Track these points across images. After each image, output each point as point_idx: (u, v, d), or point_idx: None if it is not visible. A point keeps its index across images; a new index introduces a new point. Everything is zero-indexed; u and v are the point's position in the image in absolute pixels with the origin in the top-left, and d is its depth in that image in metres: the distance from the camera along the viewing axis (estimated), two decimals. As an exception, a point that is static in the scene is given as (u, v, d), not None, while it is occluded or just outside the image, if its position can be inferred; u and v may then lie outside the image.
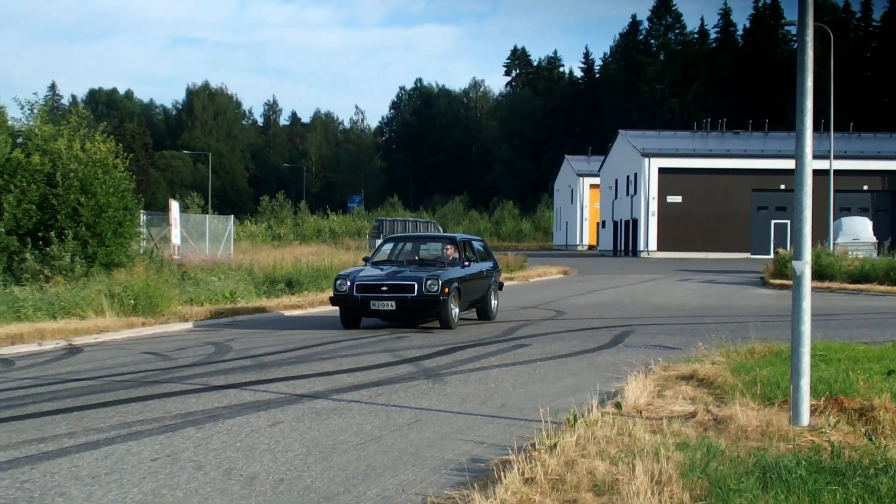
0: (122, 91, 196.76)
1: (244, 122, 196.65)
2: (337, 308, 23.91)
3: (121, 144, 33.29)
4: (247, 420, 11.67)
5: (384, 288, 22.85)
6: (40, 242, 28.52)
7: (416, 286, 22.60)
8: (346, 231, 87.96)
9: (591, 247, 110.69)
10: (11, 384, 14.95)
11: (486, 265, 26.54)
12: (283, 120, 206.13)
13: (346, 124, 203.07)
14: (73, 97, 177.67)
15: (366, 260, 26.25)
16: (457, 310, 23.55)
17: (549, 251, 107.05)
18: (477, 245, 27.29)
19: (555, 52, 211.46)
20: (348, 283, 23.06)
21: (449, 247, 25.88)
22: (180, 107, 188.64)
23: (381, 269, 24.18)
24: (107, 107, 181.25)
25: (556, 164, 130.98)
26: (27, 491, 8.43)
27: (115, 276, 27.13)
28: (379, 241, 40.00)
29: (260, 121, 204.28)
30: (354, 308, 23.20)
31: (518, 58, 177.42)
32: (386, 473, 9.11)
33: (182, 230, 40.62)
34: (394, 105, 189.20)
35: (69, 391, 14.07)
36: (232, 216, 55.54)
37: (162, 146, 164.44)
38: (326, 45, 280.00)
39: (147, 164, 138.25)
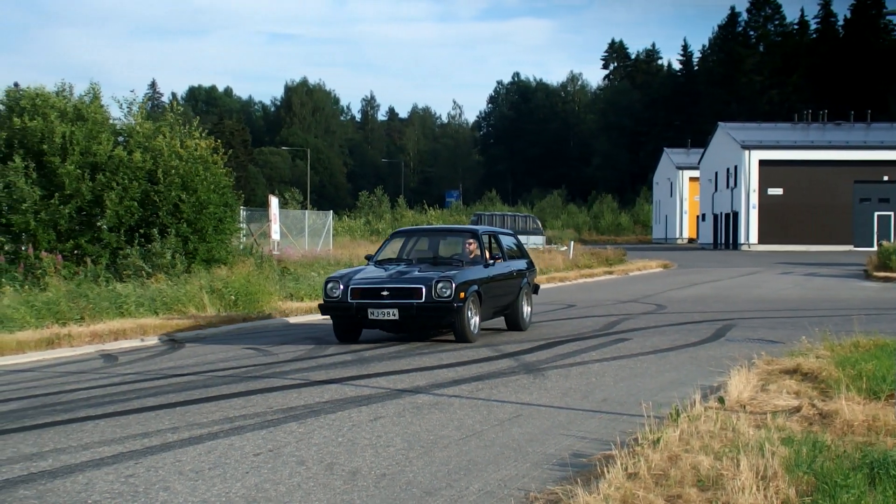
0: (221, 88, 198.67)
1: (342, 118, 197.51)
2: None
3: (220, 141, 33.63)
4: (348, 415, 11.71)
5: (385, 292, 18.83)
6: (142, 239, 28.86)
7: (423, 290, 18.60)
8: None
9: (690, 240, 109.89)
10: (115, 379, 15.13)
11: (517, 264, 22.44)
12: (381, 115, 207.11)
13: (444, 119, 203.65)
14: (173, 94, 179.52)
15: (369, 258, 21.81)
16: (476, 319, 19.51)
17: (649, 244, 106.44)
18: (507, 240, 23.05)
19: (653, 45, 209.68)
20: (341, 287, 19.04)
21: (470, 242, 21.42)
22: (279, 103, 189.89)
23: (385, 270, 20.01)
24: (206, 104, 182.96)
25: (654, 157, 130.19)
26: (132, 485, 8.52)
27: (216, 272, 27.35)
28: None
29: (358, 116, 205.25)
30: (349, 318, 19.09)
31: (616, 51, 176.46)
32: (488, 468, 9.09)
33: (281, 226, 40.86)
34: (491, 99, 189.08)
35: (172, 386, 14.22)
36: (331, 211, 55.88)
37: (261, 142, 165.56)
38: (423, 39, 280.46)
39: (246, 161, 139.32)
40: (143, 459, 9.48)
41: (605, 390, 13.47)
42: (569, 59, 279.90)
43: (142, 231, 29.22)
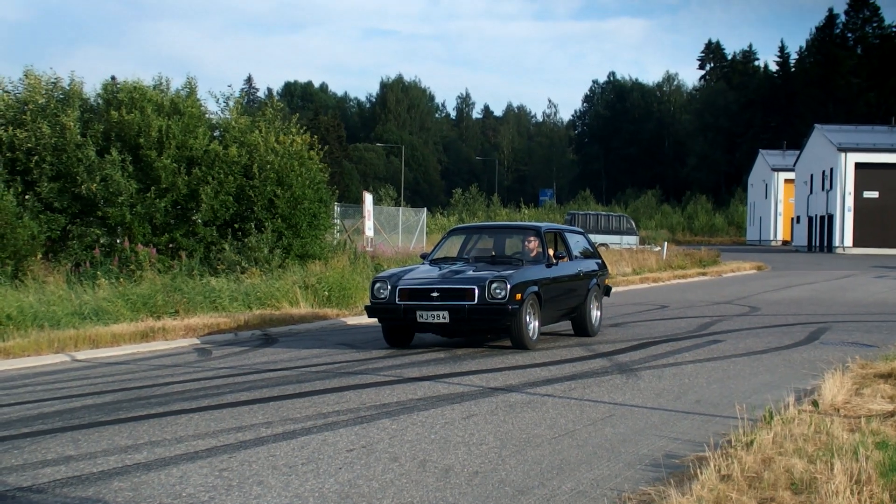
0: (316, 84, 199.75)
1: (437, 116, 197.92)
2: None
3: (316, 137, 33.81)
4: (441, 412, 11.71)
5: (435, 294, 17.61)
6: (237, 233, 29.07)
7: (476, 291, 17.36)
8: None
9: (784, 242, 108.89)
10: (209, 373, 15.27)
11: (585, 264, 21.12)
12: (476, 113, 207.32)
13: (539, 117, 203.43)
14: (269, 90, 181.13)
15: (424, 257, 20.80)
16: (535, 323, 18.27)
17: (742, 246, 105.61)
18: (574, 239, 21.60)
19: (749, 46, 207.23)
20: (389, 288, 17.95)
21: (531, 240, 19.95)
22: (374, 99, 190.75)
23: (439, 269, 18.77)
24: (301, 99, 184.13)
25: (750, 158, 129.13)
26: (226, 479, 8.56)
27: (310, 268, 27.50)
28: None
29: (453, 114, 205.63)
30: (397, 320, 18.00)
31: (712, 51, 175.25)
32: (580, 468, 9.04)
33: (375, 222, 41.02)
34: (586, 98, 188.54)
35: (265, 381, 14.32)
36: (425, 209, 56.07)
37: (356, 139, 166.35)
38: (519, 37, 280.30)
39: (341, 157, 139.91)
40: (236, 453, 9.54)
41: (698, 391, 13.37)
42: (665, 58, 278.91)
43: (236, 226, 29.49)
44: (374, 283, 18.26)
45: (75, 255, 27.25)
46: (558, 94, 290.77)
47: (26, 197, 27.85)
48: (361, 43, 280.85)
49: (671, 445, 9.97)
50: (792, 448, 9.01)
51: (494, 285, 17.33)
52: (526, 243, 20.03)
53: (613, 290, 25.28)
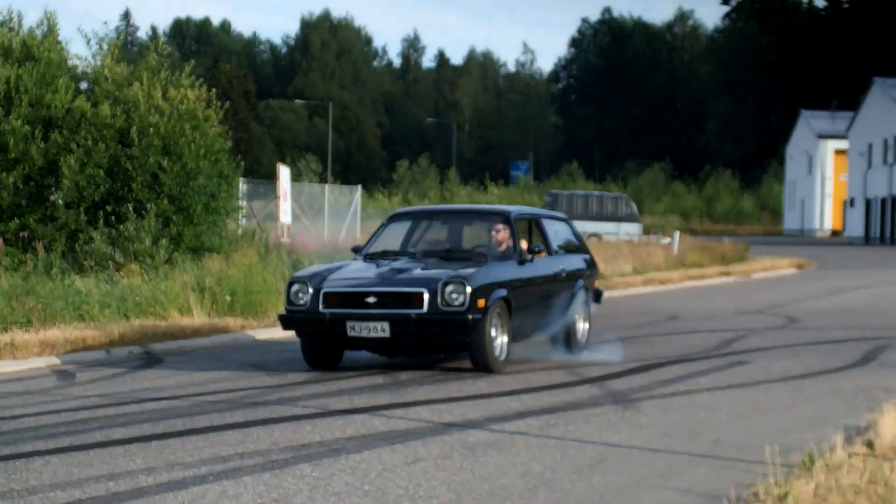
0: (216, 22, 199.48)
1: (376, 65, 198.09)
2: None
3: (214, 90, 33.67)
4: (378, 455, 11.74)
5: (371, 299, 16.91)
6: (112, 218, 28.95)
7: (425, 295, 16.68)
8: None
9: (835, 232, 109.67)
10: (73, 403, 15.29)
11: (569, 261, 20.51)
12: (428, 61, 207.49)
13: (511, 67, 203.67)
14: (153, 29, 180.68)
15: (357, 251, 19.66)
16: (504, 338, 17.56)
17: (779, 237, 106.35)
18: (554, 227, 20.92)
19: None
20: (310, 291, 17.21)
21: (498, 228, 19.15)
22: (292, 43, 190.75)
23: (376, 267, 18.05)
24: (196, 41, 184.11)
25: (789, 123, 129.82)
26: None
27: (207, 265, 27.47)
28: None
29: (397, 62, 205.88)
30: (321, 334, 17.43)
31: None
32: (560, 531, 9.12)
33: (294, 204, 41.05)
34: (574, 42, 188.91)
35: (146, 414, 14.32)
36: (359, 186, 56.04)
37: (268, 94, 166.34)
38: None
39: (249, 118, 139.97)
40: (107, 511, 9.54)
41: (716, 429, 13.49)
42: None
43: (109, 208, 29.35)
44: (290, 284, 17.69)
45: None
46: (536, 37, 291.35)
47: None
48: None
49: (680, 500, 10.08)
50: (839, 503, 9.10)
51: (450, 288, 16.64)
52: (492, 233, 19.21)
53: (608, 294, 25.40)
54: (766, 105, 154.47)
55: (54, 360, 19.60)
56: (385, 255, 18.97)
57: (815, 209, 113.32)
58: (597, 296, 21.78)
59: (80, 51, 55.72)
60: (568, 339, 19.94)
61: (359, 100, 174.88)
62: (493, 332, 17.24)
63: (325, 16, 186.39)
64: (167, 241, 28.81)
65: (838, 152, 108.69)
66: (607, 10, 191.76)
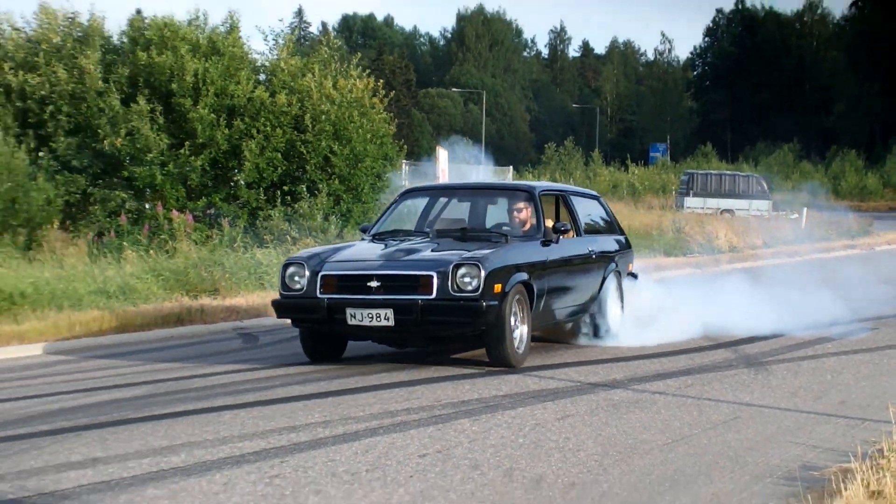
0: (380, 17, 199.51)
1: (525, 55, 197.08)
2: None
3: (380, 81, 33.88)
4: (530, 412, 11.84)
5: (373, 283, 14.05)
6: (288, 198, 29.23)
7: (434, 279, 13.81)
8: (648, 187, 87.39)
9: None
10: (257, 364, 15.48)
11: (600, 242, 17.72)
12: (573, 51, 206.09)
13: (650, 56, 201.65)
14: (324, 24, 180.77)
15: (365, 230, 16.91)
16: (524, 328, 14.72)
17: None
18: (585, 205, 18.06)
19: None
20: (307, 274, 14.35)
21: (521, 206, 16.22)
22: (449, 36, 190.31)
23: (384, 247, 15.23)
24: (362, 36, 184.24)
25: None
26: (277, 487, 8.76)
27: (373, 238, 27.62)
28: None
29: (544, 52, 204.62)
30: (318, 321, 14.50)
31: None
32: (698, 480, 9.13)
33: (451, 184, 40.98)
34: (709, 32, 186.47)
35: (321, 373, 14.48)
36: (511, 167, 56.15)
37: (427, 83, 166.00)
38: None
39: (410, 105, 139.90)
40: (289, 458, 9.71)
41: (842, 391, 13.41)
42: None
43: (286, 188, 29.65)
44: (285, 266, 14.79)
45: (98, 223, 27.53)
46: (674, 28, 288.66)
47: (40, 154, 27.99)
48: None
49: (809, 455, 10.02)
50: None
51: (462, 271, 13.76)
52: (513, 212, 16.34)
53: (739, 265, 24.97)
54: (891, 87, 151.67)
55: (239, 324, 19.91)
56: (395, 234, 16.12)
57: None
58: (634, 278, 18.82)
59: (258, 45, 55.91)
60: (598, 321, 17.21)
61: (510, 87, 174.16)
62: (511, 321, 14.24)
63: (479, 10, 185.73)
64: (337, 217, 29.08)
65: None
66: (740, 1, 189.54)
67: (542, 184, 18.89)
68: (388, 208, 17.32)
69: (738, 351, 16.62)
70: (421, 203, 17.51)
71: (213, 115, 29.27)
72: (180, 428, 11.00)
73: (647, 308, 18.43)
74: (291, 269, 14.46)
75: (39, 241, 25.19)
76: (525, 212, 16.10)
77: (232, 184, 29.57)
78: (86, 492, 8.60)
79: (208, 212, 28.91)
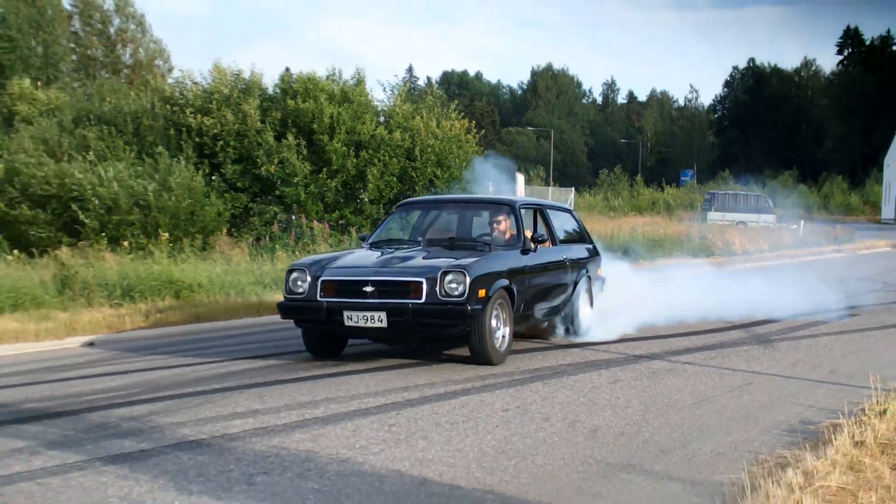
0: (471, 72, 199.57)
1: (584, 101, 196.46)
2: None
3: (472, 122, 33.99)
4: (589, 377, 11.86)
5: (369, 288, 12.54)
6: (403, 213, 29.38)
7: (423, 285, 12.35)
8: (679, 203, 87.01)
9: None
10: (375, 345, 15.49)
11: (573, 250, 16.00)
12: (621, 98, 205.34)
13: (681, 102, 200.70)
14: (428, 78, 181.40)
15: (364, 238, 15.21)
16: (505, 330, 13.09)
17: (877, 225, 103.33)
18: (559, 217, 16.44)
19: (888, 31, 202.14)
20: (309, 279, 12.91)
21: (501, 219, 14.86)
22: (525, 87, 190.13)
23: (380, 255, 13.60)
24: (458, 87, 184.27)
25: (886, 139, 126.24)
26: (394, 433, 8.85)
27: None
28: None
29: (599, 99, 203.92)
30: (318, 322, 12.88)
31: (850, 37, 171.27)
32: (719, 432, 9.11)
33: (527, 201, 40.87)
34: (727, 84, 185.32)
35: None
36: (572, 188, 55.97)
37: (508, 123, 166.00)
38: (661, 23, 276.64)
39: (494, 140, 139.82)
40: (403, 410, 9.79)
41: (833, 362, 13.29)
42: (803, 45, 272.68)
43: (400, 204, 29.81)
44: (289, 272, 13.24)
45: (256, 230, 27.93)
46: (699, 80, 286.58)
47: (213, 178, 28.44)
48: (514, 32, 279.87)
49: (806, 413, 9.99)
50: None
51: (449, 277, 12.35)
52: (495, 224, 14.94)
53: (750, 265, 24.79)
54: (870, 127, 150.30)
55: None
56: (390, 243, 14.47)
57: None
58: (601, 283, 17.04)
59: (379, 95, 56.38)
60: (571, 321, 15.60)
61: (572, 126, 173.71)
62: (493, 323, 12.77)
63: (549, 67, 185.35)
64: (440, 227, 29.20)
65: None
66: (751, 60, 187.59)
67: (522, 198, 16.81)
68: (385, 220, 16.05)
69: (750, 331, 16.50)
70: (415, 215, 16.17)
71: (344, 147, 29.48)
72: (320, 387, 11.08)
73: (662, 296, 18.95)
74: (294, 275, 13.04)
75: (212, 244, 25.62)
76: (506, 223, 14.78)
77: (358, 200, 29.73)
78: (248, 436, 8.74)
79: (340, 222, 29.06)
